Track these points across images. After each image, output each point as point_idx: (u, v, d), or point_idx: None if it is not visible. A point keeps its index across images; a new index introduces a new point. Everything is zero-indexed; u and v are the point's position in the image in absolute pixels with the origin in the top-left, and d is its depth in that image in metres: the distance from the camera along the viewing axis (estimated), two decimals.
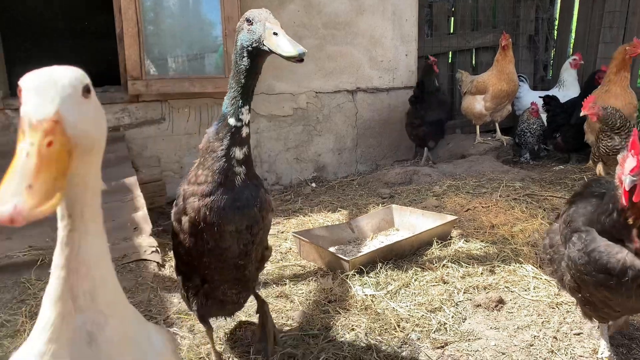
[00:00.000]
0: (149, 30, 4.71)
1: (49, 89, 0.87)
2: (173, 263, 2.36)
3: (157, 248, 3.46)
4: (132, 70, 4.60)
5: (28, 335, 2.48)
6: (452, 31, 6.93)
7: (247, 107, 2.00)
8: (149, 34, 4.72)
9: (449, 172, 5.15)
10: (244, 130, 1.99)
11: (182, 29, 4.93)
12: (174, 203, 2.11)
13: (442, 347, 2.41)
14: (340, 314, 2.72)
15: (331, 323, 2.64)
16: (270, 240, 3.72)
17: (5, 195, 0.74)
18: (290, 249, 3.64)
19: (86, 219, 1.00)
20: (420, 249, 3.43)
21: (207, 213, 1.95)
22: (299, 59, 1.79)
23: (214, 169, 1.97)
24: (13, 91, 4.71)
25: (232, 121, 1.98)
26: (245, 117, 2.00)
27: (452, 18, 6.92)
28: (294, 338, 2.52)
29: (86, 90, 0.93)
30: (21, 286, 3.11)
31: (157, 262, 3.35)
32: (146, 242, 3.48)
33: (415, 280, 3.04)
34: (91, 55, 7.54)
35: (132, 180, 4.09)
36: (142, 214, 3.73)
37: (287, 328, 2.62)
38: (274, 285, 3.09)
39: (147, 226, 3.64)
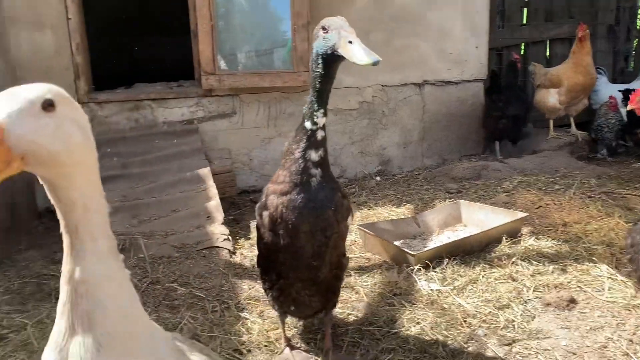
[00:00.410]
0: (221, 27, 4.88)
1: (3, 101, 0.88)
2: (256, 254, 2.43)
3: (229, 236, 3.61)
4: (206, 66, 4.78)
5: None
6: (525, 22, 6.70)
7: (322, 110, 2.07)
8: (221, 30, 4.88)
9: (519, 167, 5.01)
10: (319, 134, 2.07)
11: (252, 24, 5.07)
12: (260, 199, 2.23)
13: (510, 344, 2.38)
14: (405, 307, 2.74)
15: (396, 316, 2.66)
16: None
17: None
18: (355, 241, 3.68)
19: (82, 238, 0.97)
20: (489, 245, 3.38)
21: (284, 211, 2.05)
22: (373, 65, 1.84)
23: (291, 170, 2.07)
24: (97, 86, 5.02)
25: (308, 124, 2.08)
26: (320, 120, 2.07)
27: (526, 9, 6.69)
28: (359, 329, 2.57)
29: (48, 105, 0.91)
30: None
31: (229, 250, 3.49)
32: (218, 230, 3.63)
33: (482, 276, 3.01)
34: (168, 51, 7.90)
35: (205, 171, 4.27)
36: (214, 203, 3.89)
37: (353, 318, 2.68)
38: None
39: (220, 215, 3.80)
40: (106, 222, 1.01)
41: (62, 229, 0.99)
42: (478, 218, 3.76)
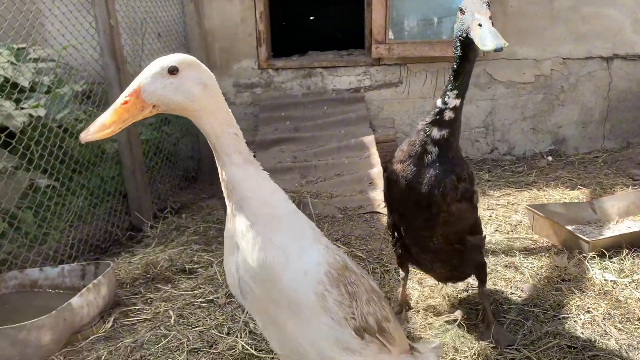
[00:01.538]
0: None
1: (146, 69, 1.26)
2: None
3: None
4: (377, 35, 4.84)
5: None
6: None
7: (455, 92, 2.04)
8: None
9: None
10: (447, 114, 2.05)
11: None
12: None
13: None
14: (574, 294, 2.59)
15: (564, 301, 2.53)
16: (499, 211, 3.68)
17: (91, 127, 1.24)
18: (521, 221, 3.53)
19: (220, 154, 1.34)
20: None
21: (395, 178, 2.13)
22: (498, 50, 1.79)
23: (411, 140, 2.13)
24: (275, 53, 5.37)
25: (438, 102, 2.08)
26: (452, 101, 2.04)
27: None
28: (523, 309, 2.49)
29: (171, 71, 1.25)
30: None
31: None
32: (380, 197, 3.72)
33: None
34: (341, 20, 8.12)
35: (369, 139, 4.38)
36: (377, 171, 3.99)
37: (516, 298, 2.60)
38: (503, 255, 3.06)
39: (381, 182, 3.86)
40: (237, 143, 1.35)
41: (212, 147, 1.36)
42: None
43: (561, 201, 3.76)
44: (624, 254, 2.90)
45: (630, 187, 3.92)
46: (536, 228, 3.34)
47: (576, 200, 3.75)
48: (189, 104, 1.28)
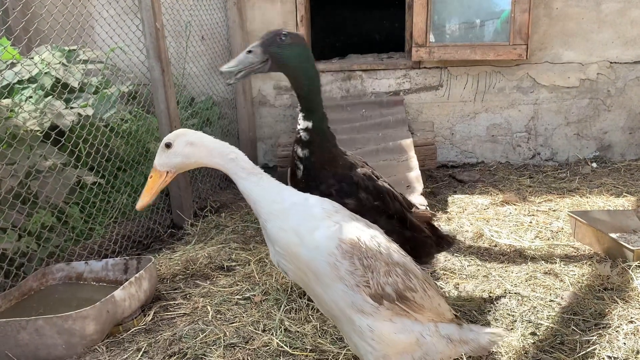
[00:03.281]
0: None
1: (159, 155, 1.69)
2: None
3: (427, 207, 3.66)
4: (418, 38, 4.82)
5: None
6: None
7: (302, 114, 2.23)
8: (436, 1, 4.84)
9: None
10: (302, 135, 2.22)
11: None
12: None
13: None
14: (617, 303, 2.51)
15: (606, 310, 2.46)
16: (540, 217, 3.61)
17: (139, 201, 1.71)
18: (563, 228, 3.45)
19: (230, 174, 1.67)
20: None
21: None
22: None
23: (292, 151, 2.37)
24: (316, 56, 5.40)
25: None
26: (303, 123, 2.22)
27: None
28: (562, 317, 2.44)
29: (168, 145, 1.66)
30: None
31: None
32: (417, 200, 3.70)
33: None
34: (380, 23, 8.11)
35: (407, 142, 4.36)
36: (415, 174, 3.97)
37: (555, 306, 2.55)
38: (543, 262, 3.00)
39: (419, 186, 3.86)
40: (236, 163, 1.65)
41: None
42: None
43: (605, 208, 3.66)
44: None
45: None
46: (578, 235, 3.26)
47: (621, 208, 3.64)
48: (187, 160, 1.67)
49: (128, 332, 2.49)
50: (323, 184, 2.27)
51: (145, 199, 1.70)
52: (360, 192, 2.31)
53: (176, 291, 2.88)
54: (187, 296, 2.81)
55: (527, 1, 4.57)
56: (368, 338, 1.64)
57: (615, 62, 4.84)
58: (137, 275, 2.60)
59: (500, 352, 2.20)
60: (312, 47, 5.32)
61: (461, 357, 2.08)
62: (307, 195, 1.70)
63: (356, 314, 1.62)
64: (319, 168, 2.27)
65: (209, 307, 2.66)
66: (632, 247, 2.86)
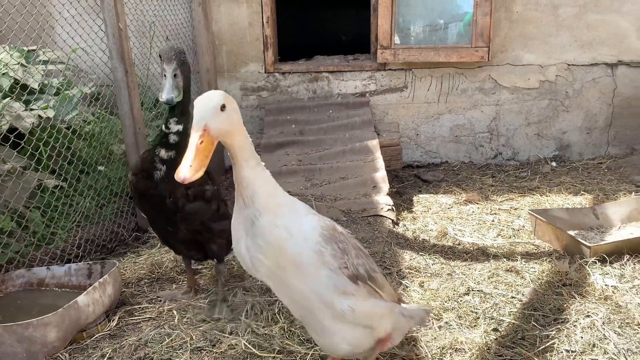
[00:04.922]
0: (400, 1, 4.90)
1: (203, 109, 1.49)
2: None
3: (393, 207, 3.72)
4: (383, 40, 4.88)
5: None
6: None
7: (175, 119, 2.37)
8: (400, 3, 4.91)
9: None
10: (172, 138, 2.38)
11: None
12: None
13: None
14: (575, 298, 2.60)
15: (564, 305, 2.55)
16: (502, 216, 3.71)
17: (180, 169, 1.43)
18: (524, 226, 3.55)
19: (239, 160, 1.59)
20: None
21: (133, 187, 2.53)
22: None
23: (143, 156, 2.50)
24: (282, 57, 5.42)
25: (163, 127, 2.40)
26: (174, 127, 2.38)
27: None
28: (523, 313, 2.52)
29: (221, 108, 1.50)
30: None
31: (392, 220, 3.60)
32: (383, 200, 3.75)
33: None
34: (345, 25, 8.16)
35: (374, 143, 4.41)
36: (381, 175, 4.02)
37: (516, 302, 2.62)
38: (504, 259, 3.08)
39: (385, 186, 3.92)
40: (252, 150, 1.62)
41: (231, 158, 1.62)
42: None
43: (564, 207, 3.78)
44: (625, 260, 2.92)
45: (633, 193, 3.94)
46: (538, 233, 3.36)
47: (579, 206, 3.77)
48: (233, 129, 1.56)
49: (92, 338, 2.45)
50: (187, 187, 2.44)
51: (202, 166, 1.45)
52: (214, 183, 2.59)
53: (142, 295, 2.85)
54: (153, 300, 2.78)
55: (489, 5, 4.69)
56: (349, 318, 1.74)
57: (573, 65, 5.00)
58: (101, 280, 2.56)
59: (464, 349, 2.25)
60: (278, 48, 5.34)
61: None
62: (285, 193, 1.74)
63: (338, 296, 1.71)
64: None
65: (175, 311, 2.64)
66: (589, 244, 2.96)
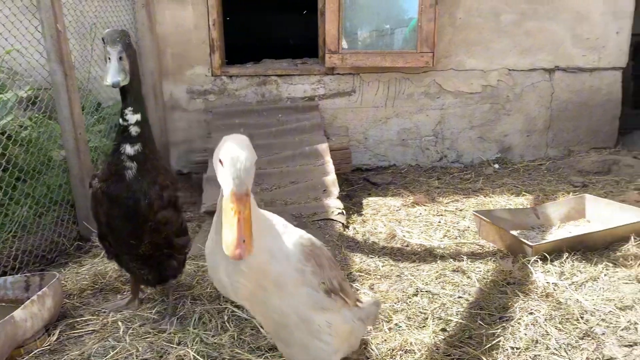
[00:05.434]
0: (347, 5, 4.96)
1: (244, 173, 1.35)
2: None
3: (343, 210, 3.74)
4: (330, 44, 4.91)
5: None
6: None
7: (130, 108, 2.23)
8: (347, 8, 4.96)
9: None
10: (133, 130, 2.23)
11: (377, 3, 5.08)
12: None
13: (631, 346, 2.26)
14: (518, 296, 2.69)
15: (509, 304, 2.63)
16: (448, 217, 3.79)
17: (232, 245, 1.30)
18: (469, 227, 3.65)
19: None
20: (614, 244, 3.18)
21: (101, 195, 2.31)
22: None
23: (108, 160, 2.31)
24: (229, 60, 5.35)
25: (120, 121, 2.26)
26: (132, 117, 2.23)
27: None
28: (470, 312, 2.58)
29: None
30: None
31: (342, 223, 3.62)
32: (333, 204, 3.77)
33: (605, 275, 2.86)
34: (293, 28, 8.15)
35: (323, 147, 4.42)
36: (331, 179, 4.03)
37: (463, 302, 2.68)
38: (451, 260, 3.15)
39: (335, 190, 3.93)
40: None
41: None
42: (604, 214, 3.55)
43: (506, 207, 3.91)
44: (565, 258, 3.03)
45: (571, 193, 4.11)
46: (483, 233, 3.45)
47: (521, 206, 3.91)
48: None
49: (30, 355, 2.33)
50: (160, 176, 2.33)
51: (251, 236, 1.33)
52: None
53: (84, 307, 2.73)
54: (96, 312, 2.67)
55: (433, 11, 4.80)
56: (325, 334, 1.71)
57: (513, 70, 5.19)
58: (39, 292, 2.44)
59: (414, 350, 2.28)
60: (226, 51, 5.27)
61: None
62: (263, 210, 1.65)
63: (317, 313, 1.68)
64: (153, 159, 2.31)
65: (120, 323, 2.55)
66: (530, 243, 3.07)
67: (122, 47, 2.15)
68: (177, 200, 2.41)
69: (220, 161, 1.39)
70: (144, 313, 2.64)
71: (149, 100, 4.82)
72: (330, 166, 4.20)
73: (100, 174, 2.36)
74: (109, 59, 2.12)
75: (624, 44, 5.18)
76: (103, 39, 2.19)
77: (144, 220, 2.28)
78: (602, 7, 5.08)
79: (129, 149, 2.23)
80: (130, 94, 2.23)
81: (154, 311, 2.66)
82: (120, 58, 2.13)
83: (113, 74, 2.10)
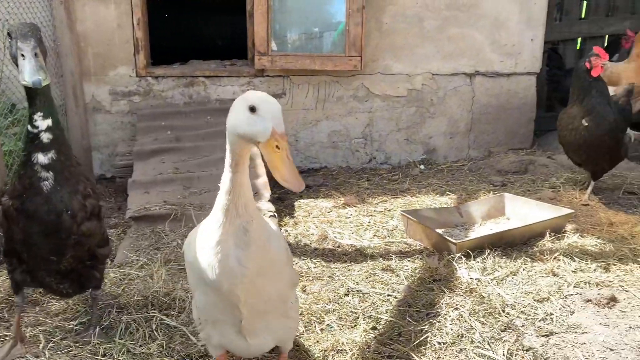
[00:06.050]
0: (276, 8, 4.95)
1: (279, 113, 1.49)
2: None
3: (275, 213, 3.72)
4: (259, 46, 4.88)
5: (163, 277, 2.81)
6: (583, 16, 6.52)
7: (40, 114, 2.01)
8: (276, 11, 4.95)
9: (567, 164, 4.93)
10: (44, 136, 2.01)
11: (306, 6, 5.11)
12: None
13: (547, 336, 2.41)
14: (444, 292, 2.79)
15: (435, 300, 2.73)
16: (377, 217, 3.87)
17: (294, 178, 1.48)
18: (397, 226, 3.75)
19: (243, 166, 1.58)
20: (532, 240, 3.38)
21: (15, 213, 2.06)
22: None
23: (21, 173, 2.07)
24: (155, 61, 5.20)
25: (29, 128, 2.03)
26: (42, 123, 2.01)
27: (585, 2, 6.51)
28: (398, 310, 2.65)
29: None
30: (157, 235, 3.51)
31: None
32: (265, 207, 3.75)
33: (523, 269, 3.03)
34: (221, 29, 8.03)
35: (254, 150, 4.38)
36: (262, 181, 4.01)
37: (392, 299, 2.75)
38: (380, 259, 3.23)
39: (267, 192, 3.92)
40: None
41: (232, 165, 1.56)
42: (522, 212, 3.76)
43: (432, 206, 4.05)
44: (487, 254, 3.19)
45: (491, 192, 4.32)
46: (410, 232, 3.56)
47: (445, 206, 4.06)
48: None
49: None
50: (81, 183, 2.14)
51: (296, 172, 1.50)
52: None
53: None
54: (9, 327, 2.51)
55: (360, 15, 4.89)
56: (293, 311, 1.88)
57: (437, 74, 5.39)
58: None
59: (345, 350, 2.31)
60: (151, 51, 5.12)
61: None
62: None
63: (291, 289, 1.88)
64: (70, 166, 2.10)
65: (40, 336, 2.41)
66: (455, 241, 3.20)
67: (35, 42, 1.95)
68: (100, 210, 2.25)
69: (250, 108, 1.47)
70: (66, 324, 2.51)
71: (69, 102, 4.60)
72: (261, 169, 4.17)
73: (10, 189, 2.11)
74: (23, 55, 1.91)
75: (537, 51, 5.51)
76: (9, 34, 1.98)
77: (67, 234, 2.08)
78: (518, 15, 5.37)
79: (42, 158, 2.01)
80: (40, 96, 2.01)
81: (76, 322, 2.54)
82: (36, 54, 1.93)
83: (32, 72, 1.89)
